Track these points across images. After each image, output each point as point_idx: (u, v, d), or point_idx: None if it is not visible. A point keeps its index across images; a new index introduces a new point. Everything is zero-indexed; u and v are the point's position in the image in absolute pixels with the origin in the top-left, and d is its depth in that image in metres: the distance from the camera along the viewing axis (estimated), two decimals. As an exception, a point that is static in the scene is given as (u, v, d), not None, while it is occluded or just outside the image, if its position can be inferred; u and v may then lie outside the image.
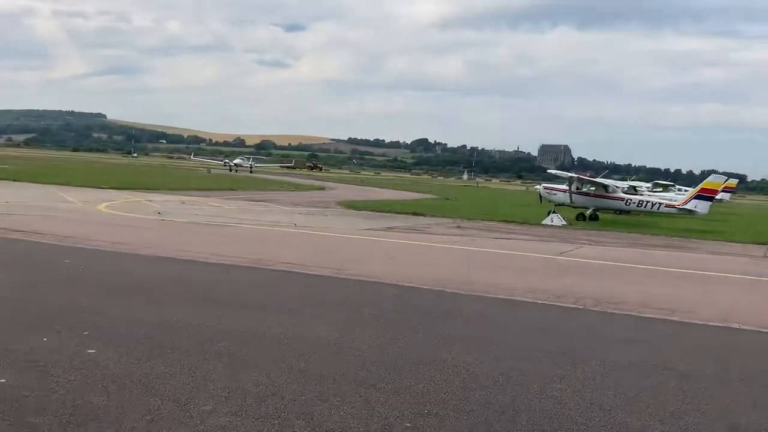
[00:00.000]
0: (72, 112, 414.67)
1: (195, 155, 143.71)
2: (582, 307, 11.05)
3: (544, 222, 29.90)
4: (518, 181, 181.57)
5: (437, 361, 7.23)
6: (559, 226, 29.14)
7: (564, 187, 34.37)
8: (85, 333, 7.43)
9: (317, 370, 6.64)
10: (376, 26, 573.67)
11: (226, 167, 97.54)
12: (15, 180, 38.76)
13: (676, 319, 10.51)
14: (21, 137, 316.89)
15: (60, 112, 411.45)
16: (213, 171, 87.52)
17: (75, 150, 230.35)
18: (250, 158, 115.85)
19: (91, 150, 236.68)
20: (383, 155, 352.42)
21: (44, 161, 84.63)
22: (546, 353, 7.89)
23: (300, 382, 6.27)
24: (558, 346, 8.27)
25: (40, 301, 8.92)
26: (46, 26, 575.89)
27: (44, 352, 6.66)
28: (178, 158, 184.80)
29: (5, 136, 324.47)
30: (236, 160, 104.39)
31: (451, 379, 6.62)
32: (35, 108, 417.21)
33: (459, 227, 25.85)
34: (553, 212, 30.90)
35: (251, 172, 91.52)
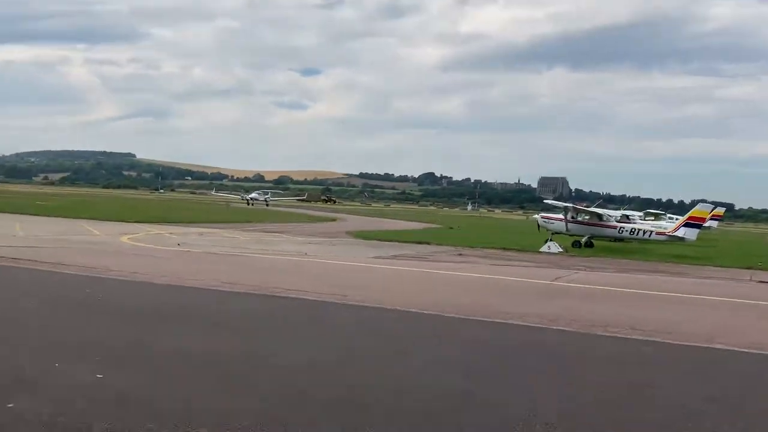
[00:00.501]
0: (104, 152, 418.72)
1: (217, 190, 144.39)
2: (574, 330, 10.83)
3: (541, 249, 29.66)
4: (520, 211, 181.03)
5: (433, 386, 7.04)
6: (555, 253, 28.89)
7: (560, 216, 34.17)
8: (97, 359, 7.30)
9: (318, 393, 6.48)
10: (384, 70, 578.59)
11: (243, 201, 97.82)
12: (48, 215, 38.90)
13: (660, 339, 10.28)
14: (57, 176, 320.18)
15: (93, 152, 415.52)
16: (232, 205, 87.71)
17: (106, 187, 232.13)
18: (268, 192, 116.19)
19: (120, 187, 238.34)
20: (392, 188, 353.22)
21: (76, 198, 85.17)
22: (542, 374, 7.69)
23: (300, 406, 6.10)
24: (550, 367, 8.07)
25: (57, 328, 8.81)
26: (79, 73, 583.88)
27: (54, 376, 6.53)
28: (200, 193, 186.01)
29: (42, 175, 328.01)
30: (252, 195, 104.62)
31: (445, 400, 6.44)
32: (70, 149, 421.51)
33: (461, 254, 25.67)
34: (550, 240, 30.68)
35: (267, 205, 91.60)
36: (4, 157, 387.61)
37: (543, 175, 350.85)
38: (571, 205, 36.50)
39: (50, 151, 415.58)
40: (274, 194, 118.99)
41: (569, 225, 33.26)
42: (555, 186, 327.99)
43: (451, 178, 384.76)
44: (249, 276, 15.61)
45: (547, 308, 12.89)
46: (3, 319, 9.32)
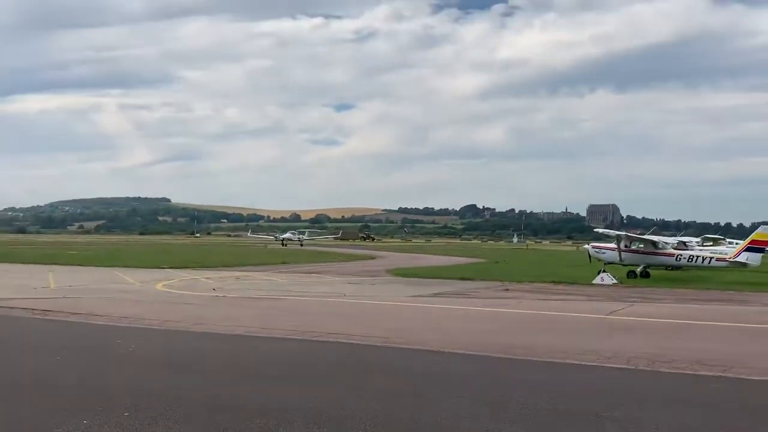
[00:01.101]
0: (138, 197, 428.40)
1: (252, 232, 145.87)
2: (634, 367, 10.40)
3: (594, 281, 29.03)
4: (569, 242, 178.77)
5: (482, 431, 6.75)
6: (609, 285, 28.23)
7: (613, 245, 33.50)
8: (125, 414, 7.18)
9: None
10: (420, 101, 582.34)
11: (278, 242, 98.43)
12: (82, 265, 39.61)
13: (731, 375, 9.79)
14: (92, 224, 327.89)
15: (127, 198, 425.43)
16: (269, 246, 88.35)
17: (142, 233, 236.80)
18: (305, 232, 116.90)
19: (156, 233, 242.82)
20: (433, 222, 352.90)
21: (111, 246, 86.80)
22: (599, 419, 7.33)
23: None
24: (610, 411, 7.69)
25: (87, 382, 8.75)
26: (112, 119, 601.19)
27: (81, 436, 6.43)
28: (235, 236, 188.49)
29: (77, 224, 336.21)
30: (286, 235, 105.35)
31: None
32: (104, 196, 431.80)
33: (507, 290, 25.24)
34: (603, 271, 30.03)
35: (301, 245, 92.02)
36: (39, 207, 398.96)
37: (591, 203, 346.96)
38: (623, 233, 35.79)
39: (85, 199, 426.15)
40: (311, 233, 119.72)
41: (623, 254, 32.57)
42: (605, 214, 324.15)
43: (494, 209, 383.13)
44: (286, 320, 15.49)
45: (604, 345, 12.45)
46: (29, 374, 9.30)
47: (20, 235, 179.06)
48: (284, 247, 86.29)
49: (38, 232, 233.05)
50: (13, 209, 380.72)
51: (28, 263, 40.70)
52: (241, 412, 7.38)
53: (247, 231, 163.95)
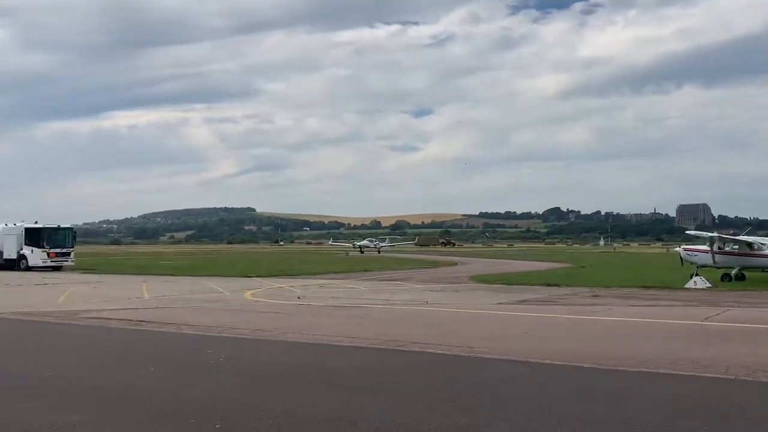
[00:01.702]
0: (225, 208, 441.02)
1: (334, 240, 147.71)
2: (733, 377, 9.93)
3: (686, 285, 27.98)
4: (658, 244, 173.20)
5: (573, 446, 6.57)
6: (703, 289, 27.14)
7: (705, 247, 32.18)
8: (217, 426, 7.34)
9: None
10: (499, 103, 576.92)
11: (356, 249, 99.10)
12: (173, 274, 40.99)
13: None
14: (182, 234, 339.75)
15: (215, 209, 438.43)
16: (351, 253, 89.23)
17: (229, 242, 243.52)
18: (385, 239, 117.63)
19: (242, 241, 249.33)
20: (515, 227, 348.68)
21: (200, 255, 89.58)
22: (695, 434, 7.02)
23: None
24: (708, 424, 7.35)
25: (179, 393, 9.00)
26: (199, 133, 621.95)
27: (175, 447, 6.60)
28: (316, 243, 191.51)
29: (168, 234, 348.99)
30: (363, 242, 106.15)
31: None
32: (193, 207, 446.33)
33: (596, 296, 24.60)
34: (696, 275, 28.90)
35: (378, 252, 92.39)
36: (132, 219, 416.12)
37: (681, 203, 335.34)
38: (716, 234, 34.33)
39: (175, 210, 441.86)
40: (391, 240, 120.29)
41: (716, 257, 31.24)
42: (696, 214, 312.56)
43: (579, 212, 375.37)
44: (369, 329, 15.55)
45: (700, 353, 11.95)
46: (124, 385, 9.64)
47: (115, 247, 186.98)
48: (362, 254, 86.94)
49: (132, 243, 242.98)
50: (107, 221, 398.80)
51: (123, 274, 42.43)
52: (329, 423, 7.42)
53: (329, 239, 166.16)
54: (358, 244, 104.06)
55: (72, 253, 48.74)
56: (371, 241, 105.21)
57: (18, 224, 48.67)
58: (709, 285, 27.95)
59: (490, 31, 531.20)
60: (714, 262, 31.31)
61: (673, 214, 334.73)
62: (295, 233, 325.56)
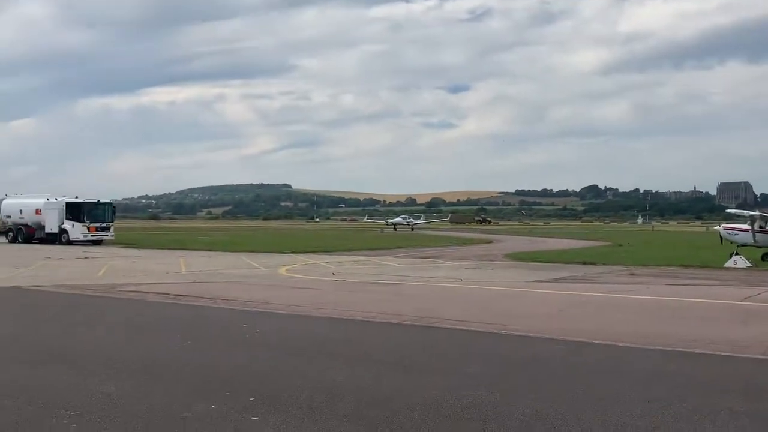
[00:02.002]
0: (261, 184, 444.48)
1: (369, 217, 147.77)
2: (773, 359, 9.74)
3: (726, 265, 27.47)
4: (697, 222, 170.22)
5: (607, 425, 6.51)
6: (743, 269, 26.62)
7: (746, 226, 31.48)
8: (251, 399, 7.44)
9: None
10: (537, 79, 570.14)
11: (389, 226, 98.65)
12: (210, 249, 41.48)
13: None
14: (219, 210, 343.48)
15: (251, 185, 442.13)
16: (385, 231, 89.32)
17: (265, 219, 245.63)
18: (420, 216, 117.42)
19: (278, 218, 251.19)
20: (552, 204, 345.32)
21: (237, 231, 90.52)
22: (734, 414, 6.91)
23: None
24: (747, 405, 7.23)
25: (214, 366, 9.13)
26: (236, 109, 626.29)
27: (210, 420, 6.69)
28: (350, 220, 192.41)
29: (205, 210, 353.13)
30: (396, 219, 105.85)
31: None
32: (230, 183, 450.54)
33: (632, 275, 24.29)
34: (736, 254, 28.33)
35: (412, 229, 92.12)
36: (170, 194, 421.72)
37: (722, 181, 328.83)
38: (758, 213, 33.53)
39: (212, 186, 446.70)
40: (426, 217, 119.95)
41: (757, 236, 30.55)
42: (737, 192, 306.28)
43: (617, 189, 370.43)
44: (403, 305, 15.58)
45: (739, 333, 11.76)
46: (161, 357, 9.82)
47: (153, 222, 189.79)
48: (395, 231, 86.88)
49: (170, 219, 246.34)
50: (146, 197, 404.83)
51: (160, 249, 43.09)
52: (362, 398, 7.47)
53: (364, 216, 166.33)
54: (391, 221, 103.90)
55: (111, 228, 49.57)
56: (404, 219, 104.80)
57: (59, 199, 49.64)
58: (749, 264, 27.41)
59: (528, 5, 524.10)
60: (755, 241, 30.61)
61: (713, 192, 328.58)
62: (331, 210, 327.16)
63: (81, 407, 7.11)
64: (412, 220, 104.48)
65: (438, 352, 10.44)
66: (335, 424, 6.55)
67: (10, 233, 51.39)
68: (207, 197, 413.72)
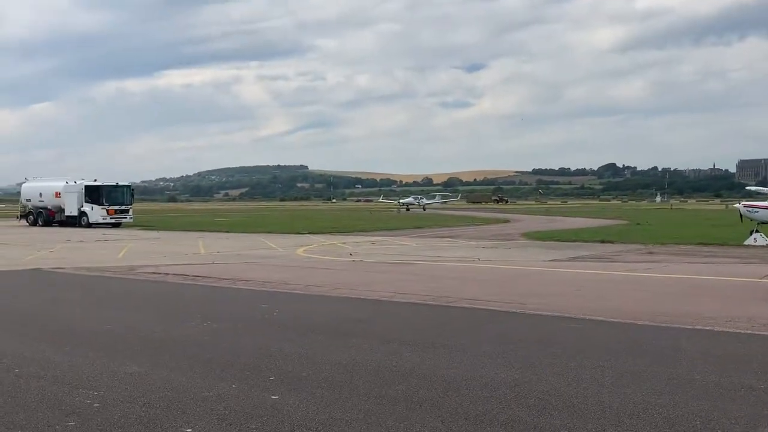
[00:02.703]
0: (278, 165, 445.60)
1: (384, 197, 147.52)
2: (794, 336, 9.67)
3: (746, 242, 27.23)
4: (717, 200, 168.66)
5: (626, 403, 6.51)
6: (763, 246, 26.38)
7: (767, 203, 31.16)
8: (271, 378, 7.51)
9: (495, 415, 6.20)
10: (554, 58, 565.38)
11: (402, 207, 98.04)
12: (228, 231, 41.70)
13: None
14: (236, 191, 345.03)
15: (268, 167, 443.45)
16: (402, 211, 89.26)
17: (282, 200, 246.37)
18: (435, 195, 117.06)
19: (295, 199, 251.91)
20: (569, 183, 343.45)
21: (254, 212, 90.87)
22: (753, 391, 6.88)
23: (477, 428, 5.86)
24: (766, 383, 7.20)
25: (234, 346, 9.21)
26: (252, 91, 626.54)
27: (231, 399, 6.77)
28: (365, 201, 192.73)
29: (223, 192, 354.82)
30: (408, 199, 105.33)
31: (641, 426, 5.90)
32: (247, 165, 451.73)
33: (651, 253, 24.15)
34: (756, 231, 28.05)
35: (424, 209, 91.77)
36: (187, 176, 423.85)
37: (742, 158, 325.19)
38: (778, 190, 33.19)
39: (229, 168, 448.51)
40: (443, 196, 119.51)
41: (778, 213, 30.20)
42: (756, 169, 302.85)
43: (635, 168, 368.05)
44: (421, 285, 15.62)
45: (758, 311, 11.67)
46: (181, 337, 9.92)
47: (171, 204, 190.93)
48: (408, 212, 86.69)
49: (188, 201, 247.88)
50: (164, 179, 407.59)
51: (179, 230, 43.39)
52: (381, 376, 7.52)
53: (379, 196, 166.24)
54: (403, 201, 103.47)
55: (130, 210, 49.97)
56: (416, 199, 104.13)
57: (78, 182, 50.07)
58: (769, 242, 27.14)
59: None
60: (775, 218, 30.30)
61: (733, 169, 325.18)
62: (347, 191, 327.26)
63: (104, 387, 7.21)
64: (424, 200, 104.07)
65: (456, 330, 10.46)
66: (355, 402, 6.60)
67: (31, 216, 51.94)
68: (224, 179, 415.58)
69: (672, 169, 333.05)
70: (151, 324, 11.16)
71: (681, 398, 6.69)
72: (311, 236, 35.87)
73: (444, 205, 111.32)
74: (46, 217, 50.73)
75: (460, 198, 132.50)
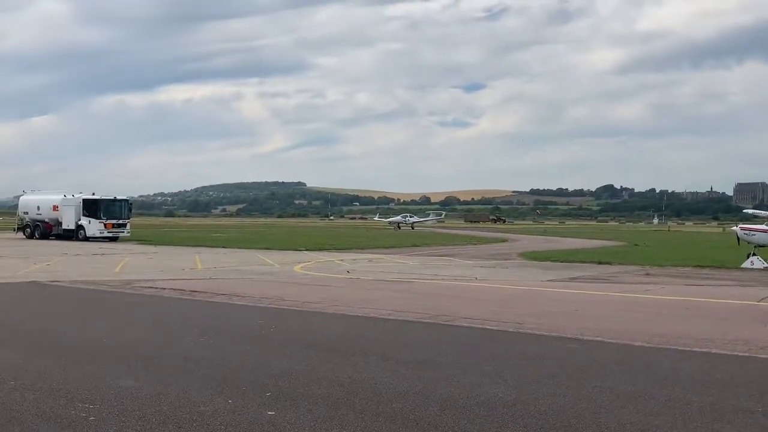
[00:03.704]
0: (276, 182, 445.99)
1: (381, 215, 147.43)
2: (791, 360, 9.67)
3: (743, 265, 27.26)
4: (714, 223, 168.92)
5: (623, 424, 6.50)
6: (760, 269, 26.41)
7: (764, 227, 31.21)
8: (268, 394, 7.48)
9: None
10: (554, 78, 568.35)
11: (392, 225, 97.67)
12: (225, 246, 41.67)
13: None
14: (234, 207, 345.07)
15: (266, 183, 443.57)
16: (401, 229, 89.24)
17: (279, 216, 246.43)
18: (429, 214, 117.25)
19: (293, 215, 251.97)
20: (567, 204, 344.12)
21: (251, 228, 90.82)
22: (751, 414, 6.87)
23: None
24: (765, 406, 7.19)
25: (230, 362, 9.18)
26: (252, 107, 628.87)
27: (227, 414, 6.74)
28: (360, 218, 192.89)
29: (220, 208, 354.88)
30: (395, 218, 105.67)
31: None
32: (245, 181, 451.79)
33: (648, 274, 24.15)
34: (753, 254, 28.09)
35: (412, 228, 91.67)
36: (186, 192, 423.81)
37: (739, 181, 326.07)
38: (775, 213, 33.26)
39: (227, 183, 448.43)
40: (436, 214, 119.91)
41: (775, 236, 30.25)
42: (754, 192, 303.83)
43: (632, 189, 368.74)
44: (419, 303, 15.60)
45: (756, 334, 11.67)
46: (178, 352, 9.88)
47: (169, 219, 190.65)
48: (398, 230, 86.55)
49: (185, 216, 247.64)
50: (162, 194, 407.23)
51: (176, 245, 43.32)
52: (378, 394, 7.49)
53: (376, 214, 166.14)
54: (392, 220, 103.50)
55: (128, 225, 49.88)
56: (404, 217, 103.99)
57: (76, 195, 50.00)
58: (766, 265, 27.17)
59: (545, 3, 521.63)
60: (773, 241, 30.35)
61: (730, 192, 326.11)
62: (345, 208, 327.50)
63: (100, 400, 7.18)
64: (414, 218, 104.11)
65: (453, 349, 10.43)
66: (352, 419, 6.58)
67: (28, 229, 51.85)
68: (222, 195, 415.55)
69: (670, 191, 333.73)
70: (147, 338, 11.12)
71: (679, 420, 6.68)
72: (308, 253, 35.85)
73: (437, 224, 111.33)
74: (44, 230, 50.60)
75: (441, 218, 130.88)
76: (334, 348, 10.37)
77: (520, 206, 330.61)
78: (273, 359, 9.39)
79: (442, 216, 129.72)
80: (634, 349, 10.45)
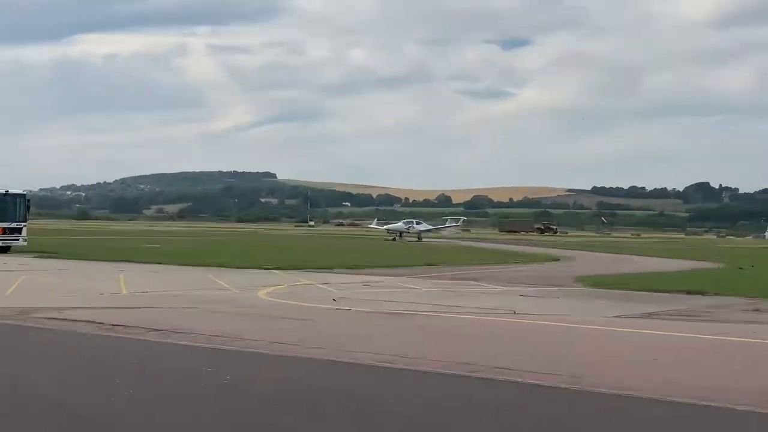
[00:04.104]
0: (234, 172, 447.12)
1: (379, 221, 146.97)
2: None
3: None
4: None
5: None
6: None
7: None
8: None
9: None
10: (626, 33, 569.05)
11: (391, 235, 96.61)
12: (162, 263, 41.71)
13: None
14: (174, 207, 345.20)
15: (220, 173, 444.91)
16: (406, 238, 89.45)
17: (239, 220, 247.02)
18: (447, 219, 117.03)
19: (258, 219, 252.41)
20: (643, 209, 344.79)
21: (199, 237, 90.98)
22: None
23: None
24: None
25: (166, 426, 9.17)
26: (201, 67, 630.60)
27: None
28: (349, 224, 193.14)
29: (155, 207, 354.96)
30: (396, 225, 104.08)
31: None
32: (190, 170, 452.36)
33: (758, 310, 24.17)
34: None
35: (419, 239, 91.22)
36: (106, 184, 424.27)
37: None
38: None
39: (165, 173, 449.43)
40: (453, 220, 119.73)
41: None
42: None
43: (736, 189, 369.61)
44: (435, 346, 15.59)
45: None
46: (90, 411, 9.85)
47: (82, 222, 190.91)
48: (395, 241, 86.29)
49: (106, 218, 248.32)
50: (73, 187, 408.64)
51: (92, 260, 43.32)
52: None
53: (373, 219, 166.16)
54: (390, 228, 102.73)
55: (24, 230, 49.91)
56: (407, 224, 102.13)
57: (-51, 188, 49.99)
58: None
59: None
60: None
61: None
62: (331, 210, 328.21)
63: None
64: (421, 225, 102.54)
65: (482, 412, 10.42)
66: None
67: None
68: (158, 189, 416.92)
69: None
70: (50, 390, 11.10)
71: None
72: (279, 273, 35.88)
73: (457, 234, 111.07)
74: None
75: (459, 224, 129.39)
76: (311, 407, 10.35)
77: (578, 211, 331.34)
78: (227, 422, 9.39)
79: (460, 221, 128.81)
80: (738, 416, 10.38)
